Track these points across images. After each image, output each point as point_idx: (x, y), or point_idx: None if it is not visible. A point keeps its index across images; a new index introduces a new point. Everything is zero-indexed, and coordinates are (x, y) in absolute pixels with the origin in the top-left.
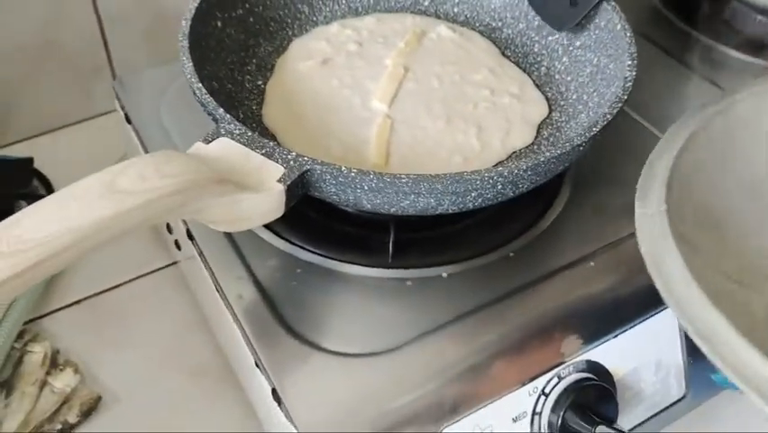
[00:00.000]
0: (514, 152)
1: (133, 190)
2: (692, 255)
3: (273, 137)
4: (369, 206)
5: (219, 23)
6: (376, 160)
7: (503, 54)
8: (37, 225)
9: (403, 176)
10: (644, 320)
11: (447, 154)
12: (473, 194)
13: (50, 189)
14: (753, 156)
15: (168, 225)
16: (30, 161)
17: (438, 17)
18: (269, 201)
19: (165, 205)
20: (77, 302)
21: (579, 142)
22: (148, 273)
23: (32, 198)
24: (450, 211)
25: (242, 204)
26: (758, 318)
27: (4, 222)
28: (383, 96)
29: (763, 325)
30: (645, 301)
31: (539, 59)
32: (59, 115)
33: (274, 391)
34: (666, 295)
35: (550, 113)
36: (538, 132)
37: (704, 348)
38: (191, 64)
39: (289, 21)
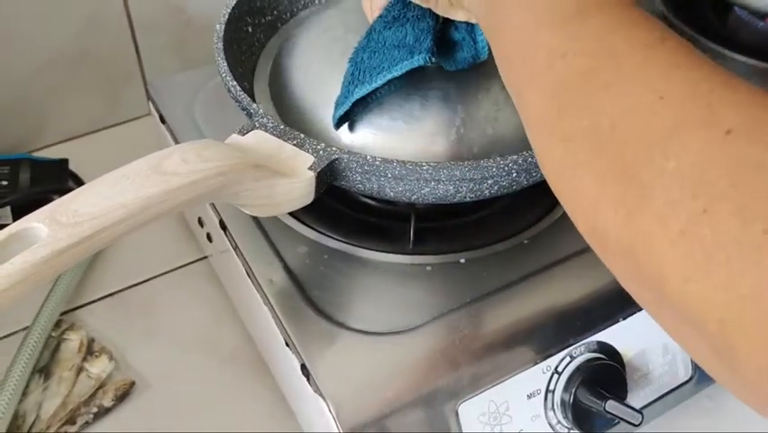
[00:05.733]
0: None
1: (177, 172)
2: None
3: None
4: (391, 193)
5: (250, 29)
6: None
7: None
8: (92, 201)
9: (424, 163)
10: None
11: None
12: (489, 181)
13: None
14: None
15: (199, 219)
16: (65, 162)
17: None
18: (300, 187)
19: (206, 186)
20: (111, 295)
21: None
22: (177, 268)
23: None
24: (468, 199)
25: (277, 189)
26: None
27: (64, 197)
28: None
29: None
30: None
31: None
32: (93, 120)
33: (303, 367)
34: None
35: None
36: None
37: None
38: (226, 64)
39: None
